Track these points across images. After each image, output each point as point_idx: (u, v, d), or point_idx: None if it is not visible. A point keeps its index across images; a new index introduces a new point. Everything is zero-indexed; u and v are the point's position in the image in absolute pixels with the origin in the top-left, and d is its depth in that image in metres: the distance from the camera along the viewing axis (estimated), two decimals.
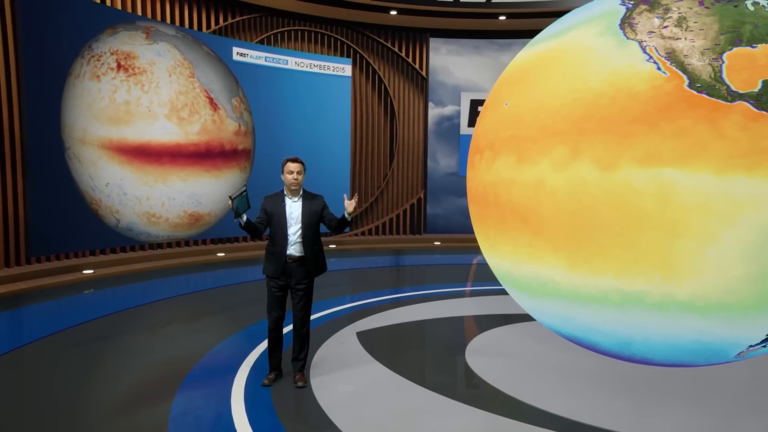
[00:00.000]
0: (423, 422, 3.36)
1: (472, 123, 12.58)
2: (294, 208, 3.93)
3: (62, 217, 8.03)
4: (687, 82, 2.59)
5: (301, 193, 3.98)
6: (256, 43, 11.01)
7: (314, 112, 11.49)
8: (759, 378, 4.06)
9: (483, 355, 4.61)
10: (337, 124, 11.82)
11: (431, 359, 4.74)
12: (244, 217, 3.81)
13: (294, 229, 3.91)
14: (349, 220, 3.96)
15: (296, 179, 3.89)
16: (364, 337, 5.09)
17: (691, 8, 2.76)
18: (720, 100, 2.51)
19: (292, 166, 3.89)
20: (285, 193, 3.96)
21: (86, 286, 7.49)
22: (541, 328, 4.96)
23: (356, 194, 4.11)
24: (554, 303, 3.21)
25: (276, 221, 3.90)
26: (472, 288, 7.76)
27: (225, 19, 10.70)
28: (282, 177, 3.94)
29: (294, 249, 3.91)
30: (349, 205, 3.88)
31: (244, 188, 3.80)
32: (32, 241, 7.67)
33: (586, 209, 2.80)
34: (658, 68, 2.66)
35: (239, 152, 10.30)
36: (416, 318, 5.91)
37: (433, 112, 12.72)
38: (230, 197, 3.68)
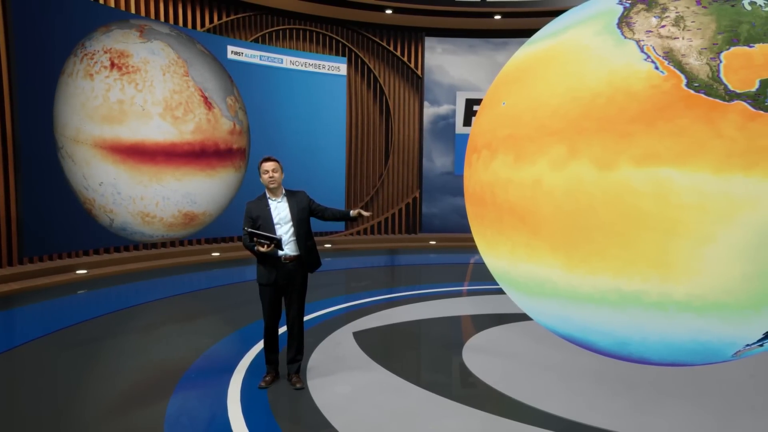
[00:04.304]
0: (421, 423, 3.35)
1: (467, 122, 12.58)
2: (280, 209, 3.89)
3: (55, 217, 7.97)
4: (685, 81, 2.59)
5: (283, 192, 3.95)
6: (251, 41, 10.96)
7: (309, 111, 11.46)
8: (756, 377, 4.07)
9: (480, 355, 4.60)
10: (332, 123, 11.79)
11: (428, 359, 4.73)
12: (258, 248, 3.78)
13: (285, 229, 3.88)
14: (352, 216, 3.95)
15: (272, 177, 3.85)
16: (361, 338, 5.08)
17: (688, 7, 2.76)
18: (718, 100, 2.51)
19: (267, 166, 3.85)
20: (267, 195, 3.93)
21: (80, 286, 7.44)
22: (539, 328, 4.96)
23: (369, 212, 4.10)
24: (551, 302, 3.21)
25: (263, 224, 3.84)
26: (469, 287, 7.76)
27: (219, 18, 10.65)
28: (261, 180, 3.91)
29: (288, 249, 3.87)
30: (357, 211, 3.94)
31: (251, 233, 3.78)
32: (25, 241, 7.61)
33: (584, 209, 2.79)
34: (656, 67, 2.66)
35: (234, 151, 10.25)
36: (412, 318, 5.89)
37: (429, 111, 12.71)
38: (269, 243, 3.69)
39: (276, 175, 3.86)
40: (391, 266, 10.27)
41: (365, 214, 3.97)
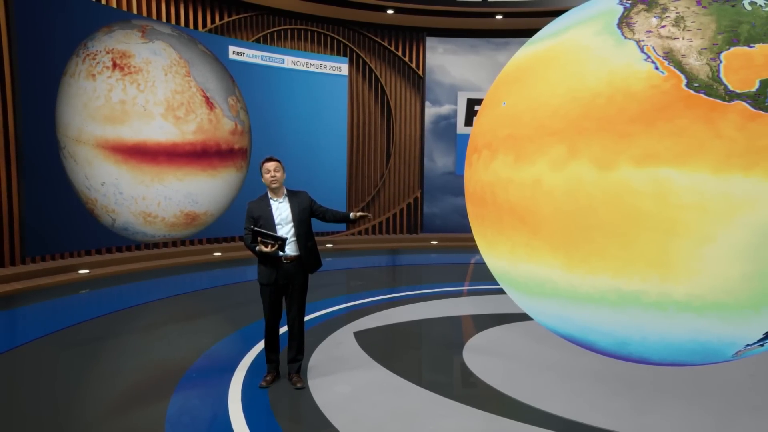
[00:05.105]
0: (421, 422, 3.36)
1: (468, 122, 12.58)
2: (282, 209, 3.90)
3: (58, 217, 7.99)
4: (684, 81, 2.59)
5: (284, 192, 3.96)
6: (253, 41, 10.98)
7: (311, 111, 11.47)
8: (756, 377, 4.07)
9: (480, 355, 4.61)
10: (333, 123, 11.80)
11: (429, 359, 4.73)
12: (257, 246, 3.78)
13: (286, 229, 3.88)
14: (352, 218, 3.98)
15: (274, 177, 3.85)
16: (362, 337, 5.09)
17: (688, 8, 2.76)
18: (717, 100, 2.51)
19: (269, 165, 3.86)
20: (269, 195, 3.94)
21: (82, 286, 7.46)
22: (539, 328, 4.96)
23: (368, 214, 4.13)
24: (551, 302, 3.21)
25: (265, 224, 3.84)
26: (470, 287, 7.76)
27: (221, 18, 10.66)
28: (262, 180, 3.92)
29: (289, 249, 3.88)
30: (358, 213, 3.99)
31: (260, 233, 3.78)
32: (27, 241, 7.63)
33: (584, 209, 2.80)
34: (656, 68, 2.66)
35: (235, 151, 10.27)
36: (413, 318, 5.90)
37: (430, 111, 12.72)
38: (273, 243, 3.70)
39: (278, 174, 3.87)
40: (392, 266, 10.28)
41: (367, 215, 3.99)
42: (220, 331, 5.51)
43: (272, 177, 3.85)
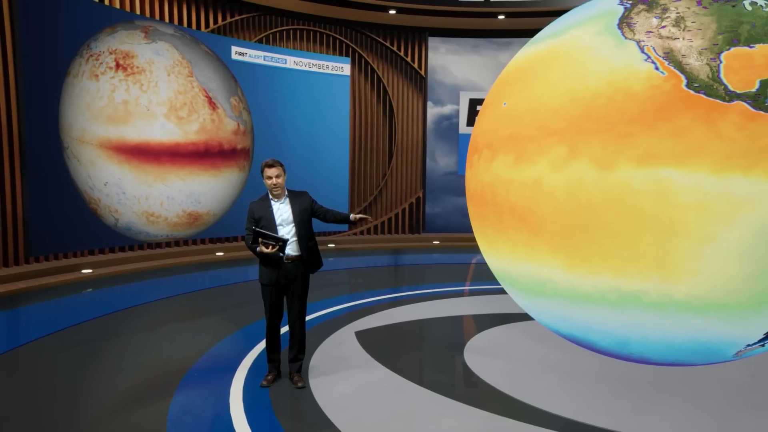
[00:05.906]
0: (422, 422, 3.36)
1: (470, 122, 12.58)
2: (283, 210, 3.91)
3: (61, 217, 8.02)
4: (685, 81, 2.59)
5: (286, 193, 3.97)
6: (255, 42, 11.00)
7: (313, 111, 11.48)
8: (757, 377, 4.06)
9: (482, 355, 4.61)
10: (335, 123, 11.81)
11: (430, 359, 4.74)
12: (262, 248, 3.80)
13: (288, 229, 3.90)
14: (352, 220, 3.98)
15: (275, 184, 3.86)
16: (363, 337, 5.09)
17: (689, 8, 2.76)
18: (718, 100, 2.52)
19: (270, 172, 3.85)
20: (270, 196, 3.95)
21: (85, 285, 7.49)
22: (540, 328, 4.97)
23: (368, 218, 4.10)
24: (552, 302, 3.22)
25: (266, 225, 3.85)
26: (471, 287, 7.76)
27: (224, 18, 10.69)
28: (264, 182, 3.93)
29: (290, 249, 3.90)
30: (358, 215, 3.98)
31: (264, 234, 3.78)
32: (31, 241, 7.66)
33: (584, 209, 2.80)
34: (656, 68, 2.66)
35: (238, 151, 10.29)
36: (415, 317, 5.91)
37: (432, 111, 12.72)
38: (274, 244, 3.71)
39: (279, 181, 3.87)
40: (394, 266, 10.29)
41: (366, 218, 3.98)
42: (222, 330, 5.53)
43: (274, 184, 3.86)
